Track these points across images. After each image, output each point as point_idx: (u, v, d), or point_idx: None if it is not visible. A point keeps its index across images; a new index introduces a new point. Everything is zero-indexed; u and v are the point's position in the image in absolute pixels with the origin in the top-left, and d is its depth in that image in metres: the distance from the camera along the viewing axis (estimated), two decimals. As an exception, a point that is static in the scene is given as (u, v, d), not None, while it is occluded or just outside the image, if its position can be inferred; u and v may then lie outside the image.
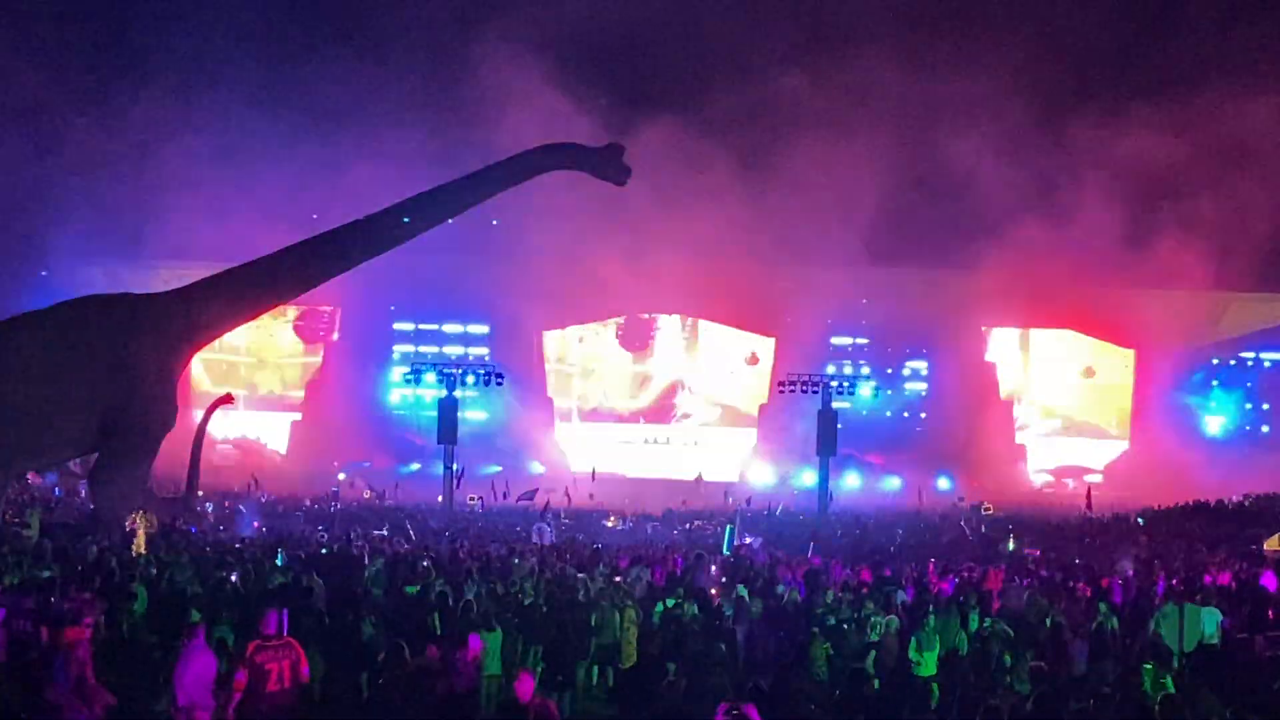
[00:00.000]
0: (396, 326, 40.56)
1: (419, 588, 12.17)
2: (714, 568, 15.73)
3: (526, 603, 11.71)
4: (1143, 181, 37.24)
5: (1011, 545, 21.36)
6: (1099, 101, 42.59)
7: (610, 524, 25.10)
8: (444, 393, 29.65)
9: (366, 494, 30.06)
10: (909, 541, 23.11)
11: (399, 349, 40.80)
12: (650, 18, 39.25)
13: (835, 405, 30.97)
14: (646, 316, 40.21)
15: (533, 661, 11.13)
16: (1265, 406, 40.36)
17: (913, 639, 10.59)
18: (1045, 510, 29.95)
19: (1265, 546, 20.13)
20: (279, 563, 14.09)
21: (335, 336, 40.39)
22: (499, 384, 30.92)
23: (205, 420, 20.15)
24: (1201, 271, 35.03)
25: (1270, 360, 40.66)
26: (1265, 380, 41.20)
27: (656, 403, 39.99)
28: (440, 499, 28.85)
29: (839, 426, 30.55)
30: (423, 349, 40.08)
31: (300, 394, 39.73)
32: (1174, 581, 14.88)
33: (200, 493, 21.29)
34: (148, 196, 35.97)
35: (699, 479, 33.70)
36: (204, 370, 36.78)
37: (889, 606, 12.44)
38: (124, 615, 10.31)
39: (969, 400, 39.36)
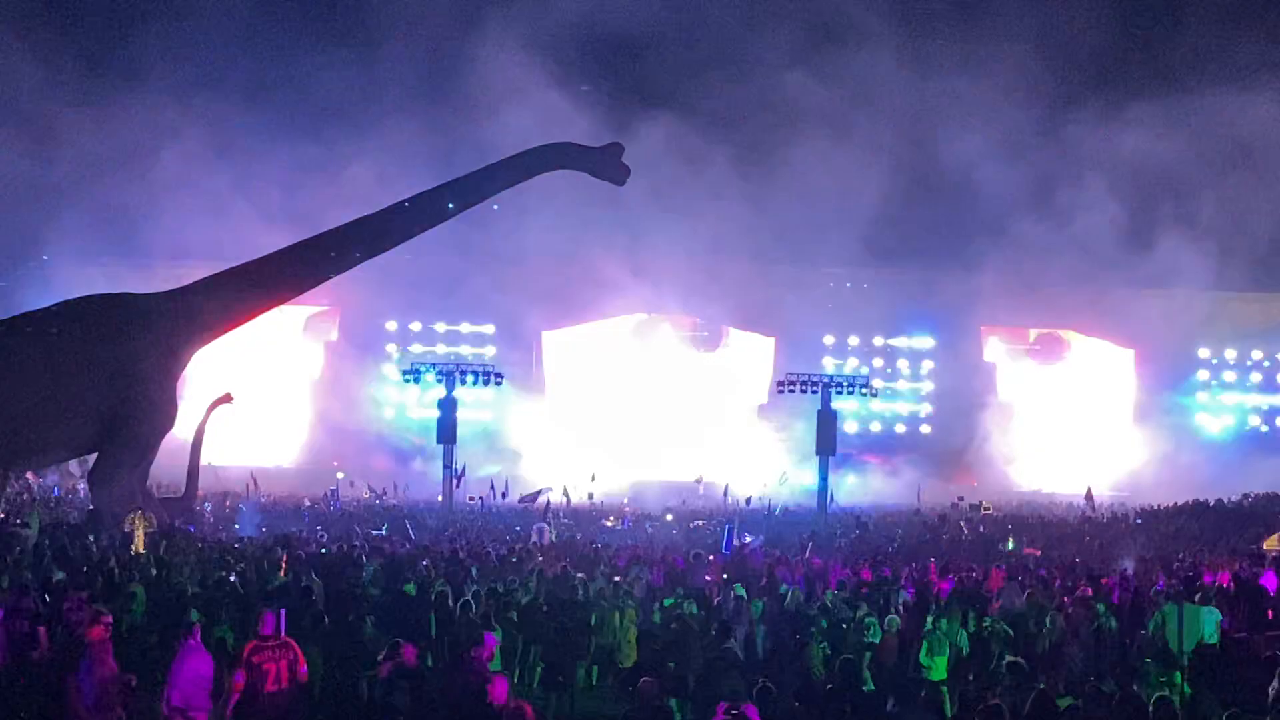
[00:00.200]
0: (394, 326, 40.38)
1: (416, 587, 12.27)
2: (713, 567, 15.99)
3: (525, 602, 11.84)
4: (1141, 180, 37.17)
5: (1011, 545, 21.47)
6: (1098, 100, 43.01)
7: (610, 524, 25.03)
8: (444, 392, 29.54)
9: (365, 494, 30.07)
10: (909, 541, 23.03)
11: (396, 348, 40.51)
12: (649, 16, 39.33)
13: (835, 405, 30.81)
14: (646, 317, 40.02)
15: (533, 661, 11.24)
16: (1265, 406, 40.35)
17: (924, 643, 10.71)
18: (1044, 510, 29.90)
19: (1265, 546, 20.27)
20: (282, 566, 14.08)
21: (334, 336, 40.26)
22: (499, 383, 31.07)
23: (205, 420, 20.31)
24: (1201, 271, 35.01)
25: (1269, 360, 40.82)
26: (1264, 380, 41.30)
27: (655, 403, 40.02)
28: (440, 499, 28.87)
29: (838, 426, 30.66)
30: (424, 349, 39.79)
31: (300, 394, 39.56)
32: (1173, 581, 15.05)
33: (200, 492, 21.52)
34: (147, 195, 35.74)
35: (699, 479, 33.52)
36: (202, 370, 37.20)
37: (889, 606, 12.59)
38: (124, 616, 10.38)
39: (968, 400, 39.27)
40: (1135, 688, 9.28)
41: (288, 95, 40.63)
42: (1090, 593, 14.01)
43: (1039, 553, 19.77)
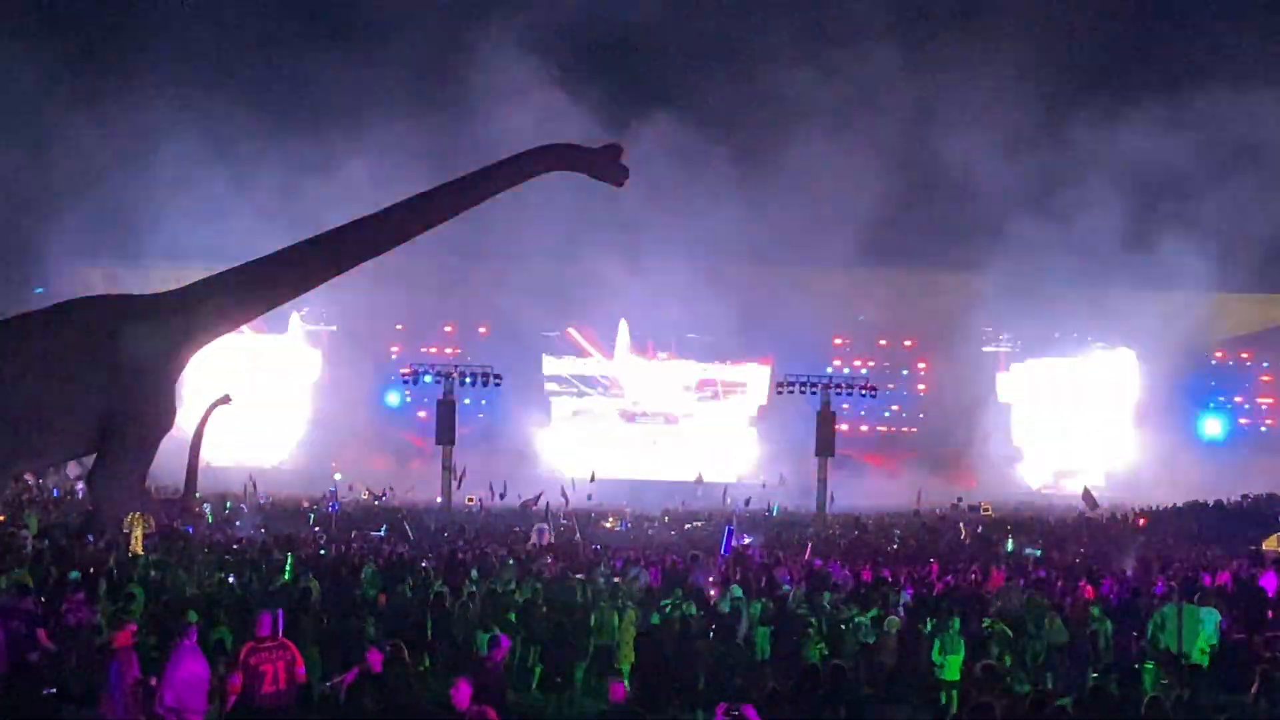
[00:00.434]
0: (395, 328, 41.00)
1: (413, 588, 12.35)
2: (712, 568, 16.08)
3: (523, 602, 11.91)
4: (1141, 182, 37.93)
5: (1010, 546, 21.59)
6: (1097, 101, 43.41)
7: (609, 525, 25.45)
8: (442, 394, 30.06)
9: (365, 495, 30.45)
10: (908, 542, 23.50)
11: (395, 350, 41.65)
12: (646, 17, 39.62)
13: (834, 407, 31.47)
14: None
15: (531, 662, 11.29)
16: (1264, 406, 41.02)
17: (936, 642, 10.86)
18: (1044, 511, 30.64)
19: (1264, 546, 20.46)
20: (287, 565, 14.20)
21: (333, 337, 40.86)
22: (498, 385, 31.32)
23: (203, 421, 20.40)
24: (1200, 272, 35.36)
25: (1269, 361, 41.12)
26: (1264, 381, 42.13)
27: (655, 405, 40.31)
28: (439, 500, 29.25)
29: (840, 428, 31.26)
30: (422, 350, 40.65)
31: (299, 396, 40.05)
32: (1172, 582, 15.16)
33: (198, 494, 21.52)
34: (145, 197, 35.91)
35: (699, 479, 34.01)
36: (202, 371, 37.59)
37: (888, 607, 12.69)
38: (112, 621, 10.42)
39: (967, 401, 39.87)
40: (1131, 689, 9.47)
41: (284, 95, 41.31)
42: (1090, 593, 14.25)
43: (1039, 553, 19.93)
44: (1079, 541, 24.08)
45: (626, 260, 34.99)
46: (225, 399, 21.21)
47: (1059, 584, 15.31)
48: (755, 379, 38.86)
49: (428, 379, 30.55)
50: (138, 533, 16.46)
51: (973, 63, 39.19)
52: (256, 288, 20.21)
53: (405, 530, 21.27)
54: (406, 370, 31.90)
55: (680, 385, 38.85)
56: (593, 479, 30.55)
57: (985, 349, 41.30)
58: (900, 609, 12.81)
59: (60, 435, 18.16)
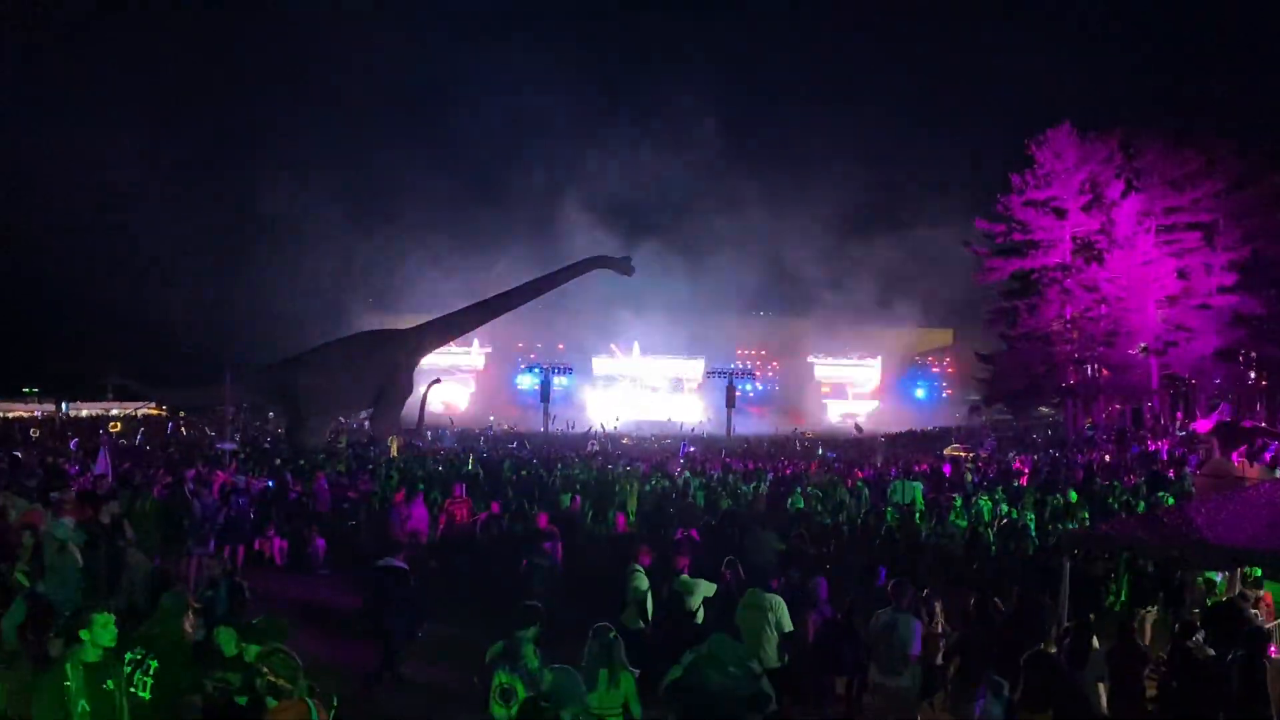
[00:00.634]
0: (518, 345, 66.06)
1: (528, 473, 20.12)
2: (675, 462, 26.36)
3: (584, 479, 20.04)
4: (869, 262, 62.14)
5: (820, 450, 33.35)
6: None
7: (625, 442, 39.54)
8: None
9: (505, 427, 48.14)
10: (770, 449, 36.32)
11: (520, 356, 66.36)
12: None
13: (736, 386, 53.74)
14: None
15: (587, 509, 19.38)
16: (945, 386, 68.10)
17: (789, 498, 16.88)
18: (837, 434, 46.64)
19: (945, 451, 33.25)
20: (469, 462, 21.53)
21: (489, 350, 66.16)
22: (570, 373, 57.29)
23: (427, 390, 36.48)
24: (911, 314, 60.98)
25: (947, 360, 70.30)
26: (942, 375, 70.19)
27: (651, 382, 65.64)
28: (541, 430, 46.61)
29: (737, 394, 53.27)
30: (533, 355, 64.97)
31: (472, 378, 65.04)
32: (899, 467, 24.61)
33: (424, 426, 36.97)
34: (400, 283, 61.88)
35: (669, 419, 55.59)
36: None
37: (761, 481, 21.68)
38: (383, 488, 17.23)
39: (799, 383, 66.90)
40: (879, 523, 14.76)
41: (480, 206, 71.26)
42: (859, 474, 23.39)
43: (833, 455, 31.56)
44: (853, 448, 35.85)
45: (635, 312, 60.55)
46: (437, 380, 38.57)
47: (843, 469, 24.42)
48: (696, 369, 63.99)
49: (536, 370, 55.42)
50: (394, 446, 27.89)
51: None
52: (447, 329, 36.00)
53: (524, 444, 35.61)
54: (525, 366, 60.31)
55: (661, 373, 65.30)
56: (616, 419, 51.69)
57: (808, 358, 67.93)
58: (766, 482, 19.62)
59: (357, 398, 32.18)
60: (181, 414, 43.47)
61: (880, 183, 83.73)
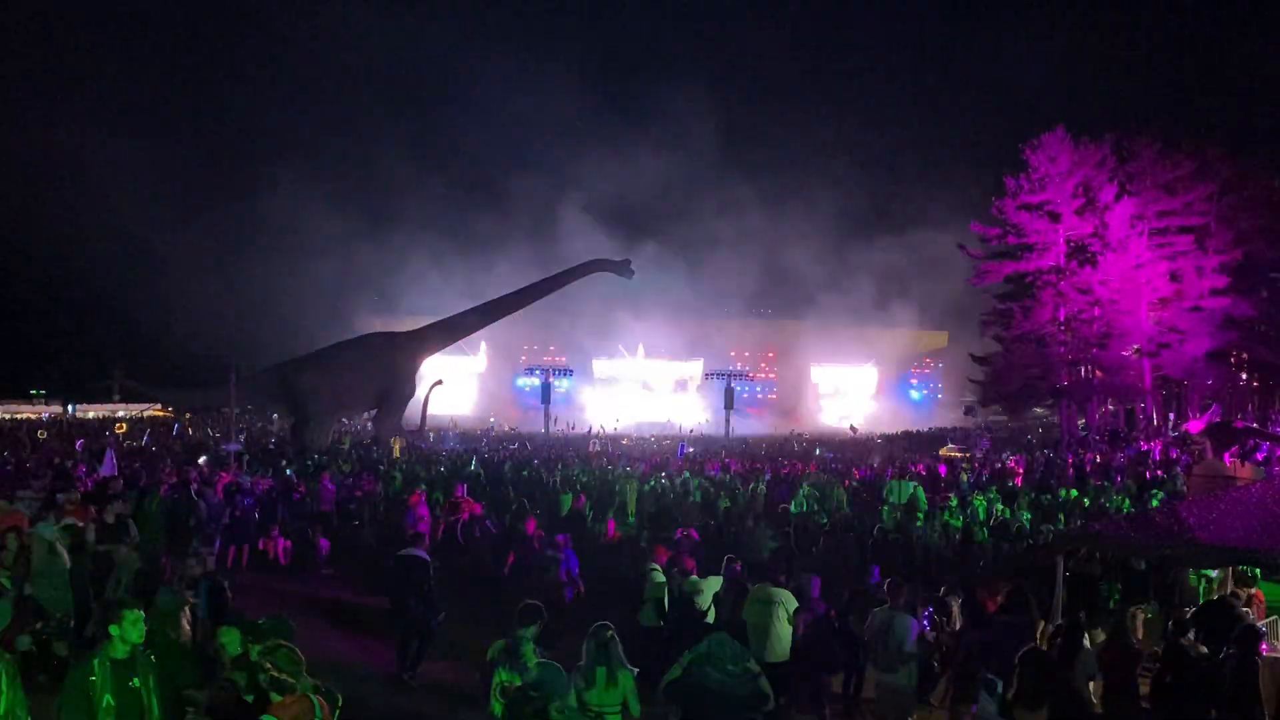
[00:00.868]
0: (522, 347, 66.47)
1: (529, 473, 20.25)
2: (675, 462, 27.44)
3: (584, 480, 20.21)
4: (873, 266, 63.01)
5: (818, 451, 33.47)
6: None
7: (625, 443, 40.73)
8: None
9: (506, 428, 49.72)
10: (768, 450, 37.44)
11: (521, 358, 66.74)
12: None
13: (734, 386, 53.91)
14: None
15: (589, 508, 19.55)
16: (940, 388, 69.11)
17: (793, 499, 18.33)
18: (832, 436, 46.58)
19: (941, 452, 33.49)
20: (472, 463, 21.59)
21: (491, 349, 65.44)
22: (570, 376, 57.40)
23: (429, 392, 35.94)
24: (907, 316, 61.27)
25: (940, 364, 71.04)
26: (938, 377, 70.91)
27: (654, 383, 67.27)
28: (542, 431, 47.77)
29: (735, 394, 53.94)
30: (534, 358, 65.36)
31: (474, 380, 65.29)
32: (895, 467, 26.42)
33: (426, 427, 37.25)
34: (401, 291, 61.81)
35: (668, 420, 56.78)
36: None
37: (759, 481, 22.28)
38: (389, 486, 17.35)
39: (796, 386, 67.70)
40: (872, 521, 14.75)
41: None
42: (857, 474, 24.83)
43: (830, 454, 31.80)
44: (850, 449, 36.62)
45: (635, 314, 61.44)
46: (439, 382, 37.09)
47: (841, 470, 26.14)
48: (696, 370, 64.86)
49: (537, 373, 55.62)
50: (397, 447, 28.95)
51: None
52: (448, 332, 36.21)
53: (526, 445, 36.76)
54: (525, 368, 60.61)
55: (661, 374, 67.06)
56: (617, 420, 53.13)
57: (806, 360, 68.48)
58: (764, 482, 20.68)
59: (360, 399, 32.74)
60: (188, 415, 43.56)
61: (877, 187, 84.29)
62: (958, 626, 8.58)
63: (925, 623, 8.48)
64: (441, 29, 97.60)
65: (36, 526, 9.05)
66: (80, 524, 9.94)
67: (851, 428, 43.38)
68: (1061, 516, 15.37)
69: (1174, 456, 25.25)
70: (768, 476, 21.81)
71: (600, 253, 45.90)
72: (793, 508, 16.39)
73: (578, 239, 57.27)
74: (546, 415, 50.44)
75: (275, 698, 4.53)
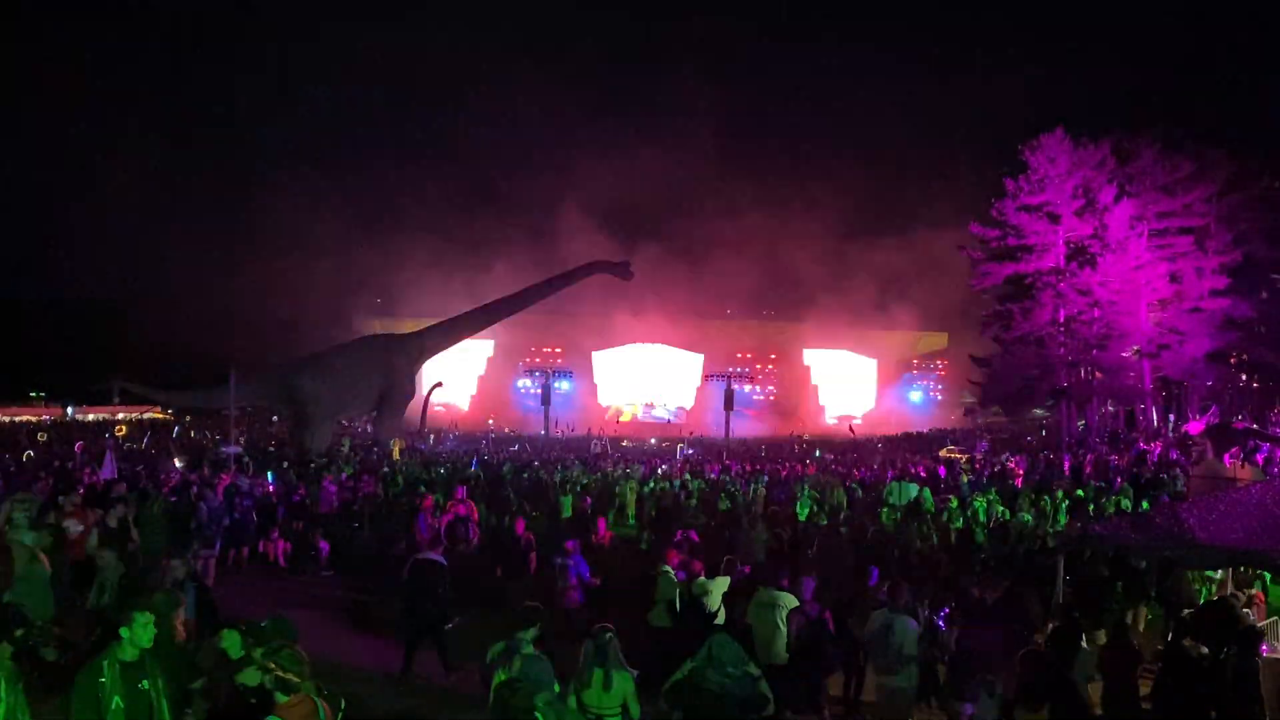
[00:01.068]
0: (520, 348, 66.06)
1: (530, 474, 20.27)
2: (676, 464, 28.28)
3: (584, 481, 20.25)
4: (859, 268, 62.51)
5: (817, 453, 33.49)
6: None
7: (625, 444, 41.50)
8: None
9: (506, 430, 49.78)
10: (767, 451, 37.99)
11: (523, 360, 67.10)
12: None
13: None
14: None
15: (591, 510, 19.58)
16: (939, 388, 69.03)
17: (797, 500, 18.74)
18: (832, 436, 47.16)
19: (941, 453, 33.50)
20: (472, 466, 21.66)
21: (490, 354, 65.37)
22: (569, 377, 56.99)
23: (429, 393, 37.35)
24: (906, 318, 60.91)
25: (941, 363, 70.59)
26: (940, 375, 70.33)
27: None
28: (542, 432, 48.68)
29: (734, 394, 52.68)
30: (534, 359, 66.39)
31: (474, 381, 64.96)
32: (895, 468, 26.52)
33: (426, 429, 38.10)
34: (402, 294, 60.90)
35: (668, 422, 57.99)
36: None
37: (759, 482, 22.40)
38: (389, 488, 17.35)
39: (794, 386, 67.04)
40: (875, 523, 15.10)
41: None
42: (856, 475, 24.86)
43: (830, 456, 31.77)
44: (849, 449, 36.88)
45: (634, 315, 61.51)
46: (439, 384, 38.58)
47: (842, 471, 26.31)
48: (695, 371, 65.22)
49: (536, 374, 58.48)
50: (396, 448, 29.53)
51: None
52: (448, 333, 36.26)
53: (526, 447, 37.21)
54: (525, 370, 61.74)
55: (660, 375, 66.69)
56: (618, 421, 54.27)
57: (805, 361, 69.12)
58: (763, 484, 21.86)
59: (361, 400, 32.69)
60: (187, 417, 43.72)
61: (877, 187, 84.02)
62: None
63: (941, 622, 8.40)
64: (442, 30, 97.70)
65: (17, 532, 8.93)
66: (64, 525, 9.90)
67: (851, 428, 43.69)
68: (1062, 518, 15.39)
69: (1174, 458, 25.28)
70: (766, 478, 22.21)
71: (600, 253, 46.19)
72: (800, 512, 16.43)
73: (578, 240, 57.55)
74: (547, 417, 51.04)
75: (281, 698, 4.52)
